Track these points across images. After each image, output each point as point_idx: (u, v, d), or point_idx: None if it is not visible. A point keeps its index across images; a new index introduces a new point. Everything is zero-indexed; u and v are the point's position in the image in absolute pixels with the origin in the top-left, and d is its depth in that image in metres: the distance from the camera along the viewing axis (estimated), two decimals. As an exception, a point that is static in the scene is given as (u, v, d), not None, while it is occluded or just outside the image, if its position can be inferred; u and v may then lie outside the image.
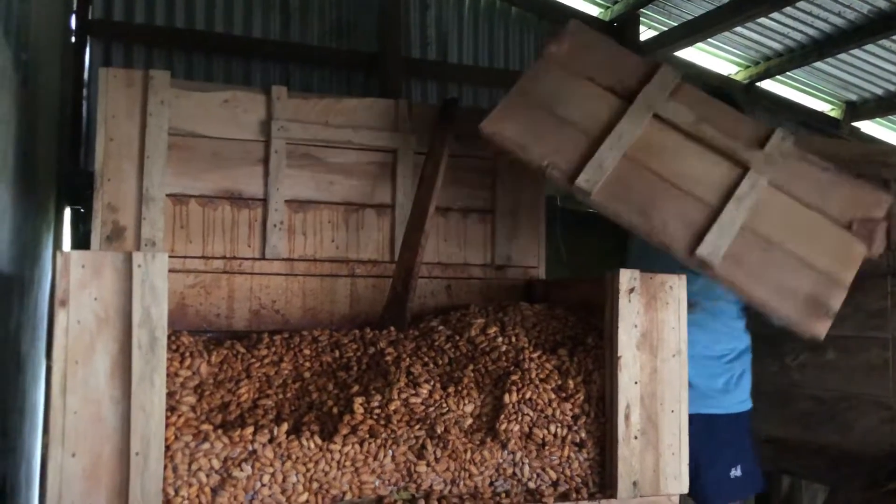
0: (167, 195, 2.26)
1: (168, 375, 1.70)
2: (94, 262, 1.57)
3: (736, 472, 2.38)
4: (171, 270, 2.25)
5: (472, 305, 2.26)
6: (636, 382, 1.91)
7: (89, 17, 4.06)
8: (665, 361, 1.96)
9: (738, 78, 5.59)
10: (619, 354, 1.90)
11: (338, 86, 4.58)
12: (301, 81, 4.47)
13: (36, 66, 2.75)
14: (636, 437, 1.90)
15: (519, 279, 2.60)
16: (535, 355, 1.97)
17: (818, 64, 5.28)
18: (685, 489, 1.96)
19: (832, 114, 5.93)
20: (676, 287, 1.98)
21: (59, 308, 1.55)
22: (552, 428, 1.89)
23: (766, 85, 5.65)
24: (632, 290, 1.92)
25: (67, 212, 3.69)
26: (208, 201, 2.32)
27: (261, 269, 2.35)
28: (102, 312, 1.57)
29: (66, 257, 1.56)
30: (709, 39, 5.15)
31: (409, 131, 2.47)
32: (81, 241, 3.57)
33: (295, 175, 2.39)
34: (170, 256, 2.23)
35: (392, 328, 2.13)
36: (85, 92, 3.88)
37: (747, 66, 5.55)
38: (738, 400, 2.43)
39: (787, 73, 5.47)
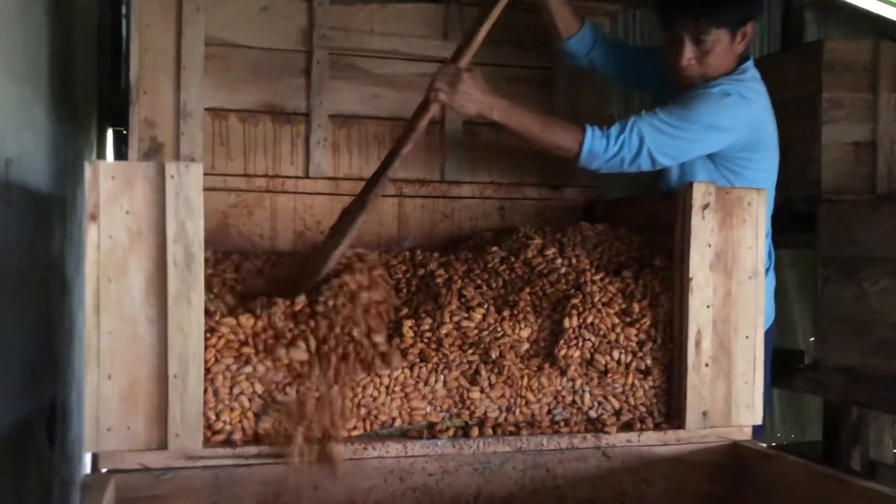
0: (206, 109, 2.16)
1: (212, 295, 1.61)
2: (124, 174, 1.47)
3: None
4: (211, 189, 2.18)
5: (528, 225, 2.11)
6: (708, 306, 1.76)
7: (124, -72, 3.90)
8: (740, 283, 1.80)
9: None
10: (690, 276, 1.74)
11: (382, -9, 4.36)
12: (343, -14, 4.26)
13: (69, -23, 2.62)
14: (707, 365, 1.76)
15: (577, 199, 2.43)
16: (597, 277, 1.83)
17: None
18: (759, 420, 1.82)
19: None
20: (755, 202, 1.81)
21: (90, 223, 1.45)
22: (615, 354, 1.76)
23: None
24: (706, 207, 1.75)
25: (110, 133, 3.62)
26: (249, 116, 2.21)
27: (304, 188, 2.24)
28: (135, 227, 1.47)
29: (95, 167, 1.45)
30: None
31: (460, 39, 2.29)
32: (125, 164, 3.50)
33: (338, 88, 2.25)
34: (210, 174, 2.17)
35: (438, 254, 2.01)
36: (124, 9, 3.75)
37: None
38: None
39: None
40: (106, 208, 1.46)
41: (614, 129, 1.93)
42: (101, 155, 3.43)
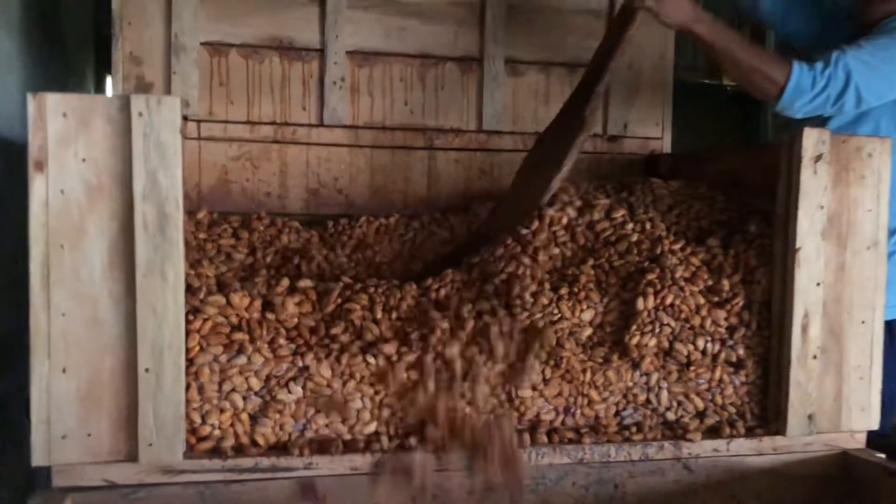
0: (202, 44, 1.87)
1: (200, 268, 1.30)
2: (79, 110, 1.14)
3: None
4: (209, 138, 1.87)
5: (587, 183, 1.77)
6: (818, 283, 1.41)
7: None
8: (857, 255, 1.45)
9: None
10: (797, 245, 1.39)
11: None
12: None
13: None
14: (815, 357, 1.42)
15: (637, 152, 2.10)
16: (676, 247, 1.48)
17: None
18: (875, 424, 1.49)
19: None
20: (878, 154, 1.44)
21: (35, 172, 1.13)
22: (700, 343, 1.42)
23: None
24: (818, 158, 1.39)
25: (110, 82, 3.29)
26: (253, 51, 1.89)
27: (319, 137, 1.93)
28: (94, 179, 1.15)
29: (41, 100, 1.12)
30: None
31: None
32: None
33: (358, 19, 1.94)
34: (208, 121, 1.86)
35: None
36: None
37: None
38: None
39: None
40: (56, 154, 1.13)
41: (819, 64, 1.69)
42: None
